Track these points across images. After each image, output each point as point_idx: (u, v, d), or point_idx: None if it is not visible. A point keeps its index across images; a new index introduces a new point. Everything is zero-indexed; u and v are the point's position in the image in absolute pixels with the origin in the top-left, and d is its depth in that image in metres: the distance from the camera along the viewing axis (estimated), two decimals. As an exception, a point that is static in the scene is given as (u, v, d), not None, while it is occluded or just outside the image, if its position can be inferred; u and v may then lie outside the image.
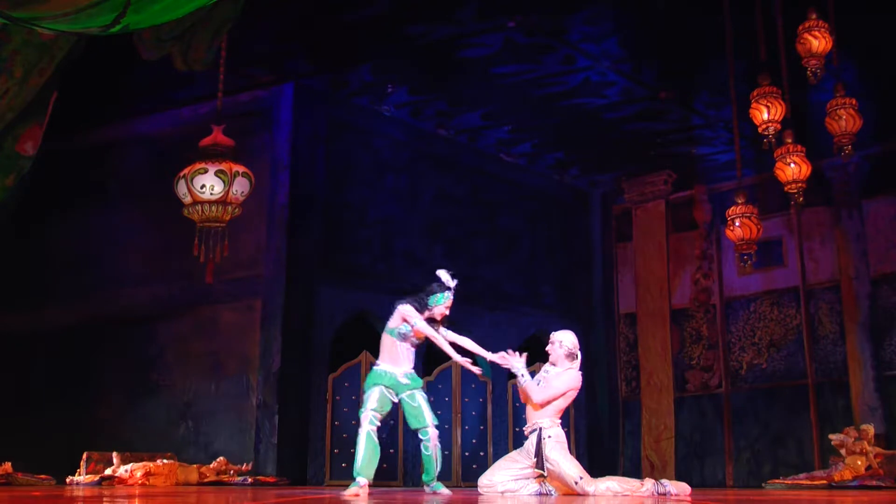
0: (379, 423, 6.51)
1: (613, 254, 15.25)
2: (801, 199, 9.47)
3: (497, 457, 12.51)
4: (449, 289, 6.57)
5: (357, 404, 11.22)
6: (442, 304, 6.54)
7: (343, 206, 11.62)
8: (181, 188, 8.79)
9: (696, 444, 13.93)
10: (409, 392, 6.58)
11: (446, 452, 12.17)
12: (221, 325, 11.24)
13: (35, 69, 7.96)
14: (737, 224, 10.52)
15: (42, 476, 9.23)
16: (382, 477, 11.30)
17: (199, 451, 10.58)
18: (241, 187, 8.84)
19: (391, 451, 11.58)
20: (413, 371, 6.64)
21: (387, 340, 6.64)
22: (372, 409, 6.44)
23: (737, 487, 12.92)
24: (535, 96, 11.82)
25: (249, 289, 11.08)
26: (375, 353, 11.69)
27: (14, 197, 8.90)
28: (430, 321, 6.54)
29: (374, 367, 6.68)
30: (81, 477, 9.28)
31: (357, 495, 5.85)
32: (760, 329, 13.74)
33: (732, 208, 10.65)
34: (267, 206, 11.09)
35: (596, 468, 14.13)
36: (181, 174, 8.80)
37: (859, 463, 10.13)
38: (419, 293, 6.61)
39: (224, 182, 8.69)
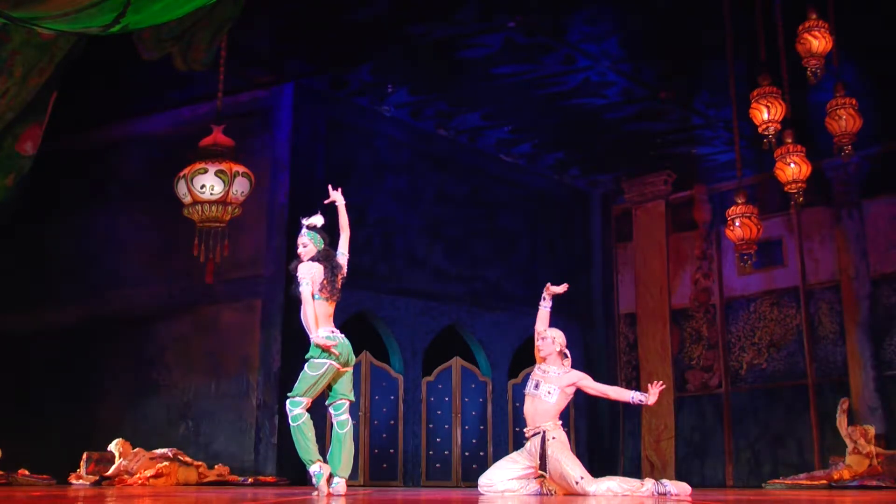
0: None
1: (613, 254, 15.25)
2: (801, 199, 9.47)
3: (497, 457, 12.54)
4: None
5: (357, 404, 11.27)
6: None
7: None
8: (181, 188, 8.79)
9: (696, 444, 13.93)
10: None
11: (446, 452, 12.18)
12: (221, 325, 11.23)
13: (35, 69, 7.97)
14: (737, 224, 10.52)
15: (42, 476, 9.23)
16: (382, 477, 11.31)
17: (199, 451, 10.57)
18: (241, 187, 8.84)
19: (391, 451, 11.59)
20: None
21: None
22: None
23: (737, 487, 12.91)
24: (535, 96, 11.82)
25: (249, 289, 11.07)
26: (376, 353, 11.81)
27: (14, 197, 8.90)
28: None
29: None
30: (84, 470, 9.30)
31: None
32: (760, 329, 13.73)
33: (732, 208, 10.66)
34: (267, 206, 11.09)
35: (596, 468, 14.12)
36: (181, 174, 8.81)
37: (864, 463, 10.11)
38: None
39: (224, 182, 8.70)
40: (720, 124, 12.67)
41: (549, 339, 6.39)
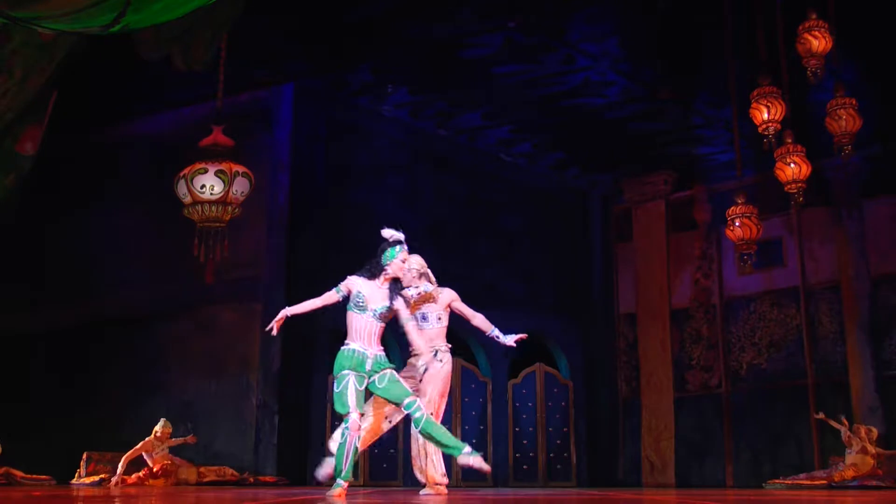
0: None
1: (613, 254, 15.24)
2: (801, 199, 9.47)
3: (496, 456, 12.55)
4: (399, 242, 5.90)
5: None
6: (396, 258, 5.83)
7: (343, 206, 11.62)
8: (181, 188, 8.79)
9: (696, 444, 13.92)
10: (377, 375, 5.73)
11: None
12: (221, 326, 11.23)
13: (35, 69, 7.96)
14: (737, 224, 10.52)
15: (42, 476, 9.23)
16: (382, 477, 11.31)
17: (199, 451, 10.57)
18: (241, 187, 8.84)
19: (391, 451, 11.58)
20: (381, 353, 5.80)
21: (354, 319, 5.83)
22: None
23: (737, 487, 12.91)
24: (535, 96, 11.82)
25: (249, 289, 11.07)
26: (375, 353, 11.78)
27: (14, 197, 8.90)
28: (395, 284, 5.86)
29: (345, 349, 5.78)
30: (84, 470, 9.30)
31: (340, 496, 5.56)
32: (760, 329, 13.73)
33: (732, 208, 10.65)
34: (267, 206, 11.08)
35: (596, 468, 14.14)
36: (181, 174, 8.81)
37: (869, 463, 10.08)
38: (369, 263, 5.89)
39: (224, 182, 8.69)
40: (720, 124, 12.67)
41: (405, 269, 6.09)
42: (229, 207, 8.82)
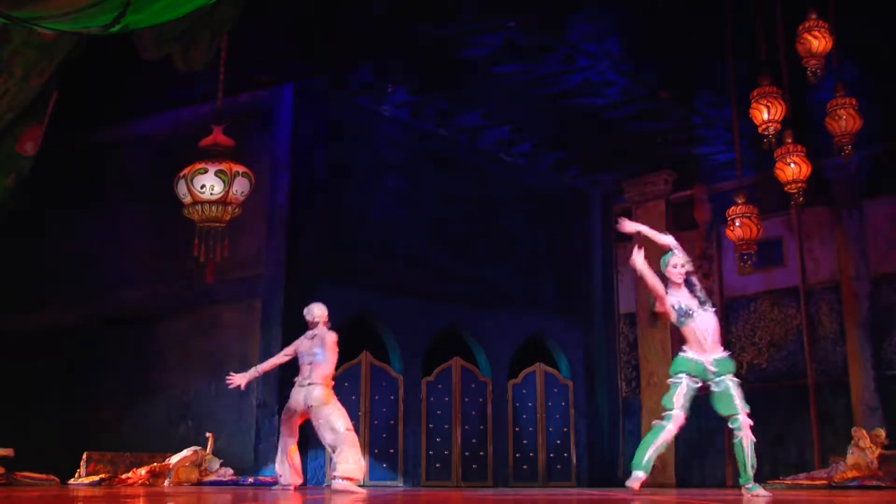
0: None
1: (613, 254, 15.24)
2: (801, 199, 9.47)
3: (497, 456, 12.55)
4: (670, 248, 6.46)
5: (357, 404, 11.27)
6: (668, 266, 6.46)
7: (343, 206, 11.62)
8: (181, 188, 8.79)
9: (696, 444, 13.92)
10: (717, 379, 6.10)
11: (446, 452, 12.16)
12: (221, 325, 11.23)
13: (35, 69, 7.96)
14: (737, 224, 10.52)
15: (42, 476, 9.23)
16: (383, 477, 11.31)
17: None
18: (241, 187, 8.84)
19: (391, 451, 11.58)
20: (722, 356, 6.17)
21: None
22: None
23: (737, 487, 12.89)
24: (535, 96, 11.82)
25: (249, 289, 11.07)
26: (376, 353, 11.80)
27: (14, 197, 8.90)
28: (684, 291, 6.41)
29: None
30: (84, 470, 9.31)
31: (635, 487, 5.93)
32: (760, 329, 13.73)
33: (732, 208, 10.65)
34: (267, 206, 11.08)
35: (596, 468, 14.14)
36: (181, 174, 8.81)
37: (873, 463, 10.06)
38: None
39: (224, 182, 8.69)
40: (720, 124, 12.66)
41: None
42: (229, 207, 8.82)
